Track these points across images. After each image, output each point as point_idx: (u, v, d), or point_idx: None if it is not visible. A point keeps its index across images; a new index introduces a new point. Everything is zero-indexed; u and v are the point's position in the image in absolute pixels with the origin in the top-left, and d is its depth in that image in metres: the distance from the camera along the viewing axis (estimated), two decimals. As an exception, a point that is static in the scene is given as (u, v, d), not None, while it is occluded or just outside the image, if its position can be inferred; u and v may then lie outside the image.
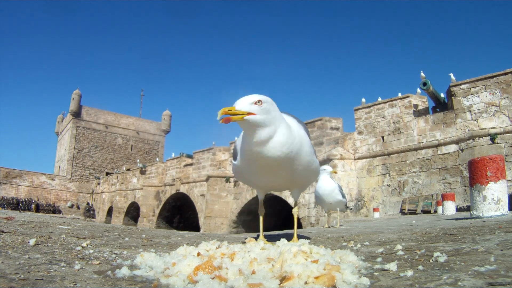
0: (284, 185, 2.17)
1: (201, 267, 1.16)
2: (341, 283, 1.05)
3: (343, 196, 5.55)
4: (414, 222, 5.33)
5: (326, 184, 5.35)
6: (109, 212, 32.86)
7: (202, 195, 20.60)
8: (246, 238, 2.39)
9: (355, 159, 13.76)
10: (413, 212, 11.05)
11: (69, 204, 38.26)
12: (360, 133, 14.07)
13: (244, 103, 1.71)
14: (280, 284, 1.06)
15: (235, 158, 2.14)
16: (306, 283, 1.04)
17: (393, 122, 13.21)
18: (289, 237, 2.11)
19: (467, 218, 4.57)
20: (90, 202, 39.59)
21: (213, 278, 1.11)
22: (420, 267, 1.26)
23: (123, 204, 29.94)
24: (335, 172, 5.44)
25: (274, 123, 1.76)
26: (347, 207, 6.19)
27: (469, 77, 11.59)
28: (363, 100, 14.64)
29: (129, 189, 29.85)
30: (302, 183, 2.20)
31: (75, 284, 1.05)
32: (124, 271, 1.24)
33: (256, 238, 2.22)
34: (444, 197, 8.54)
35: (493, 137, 10.52)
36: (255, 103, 1.72)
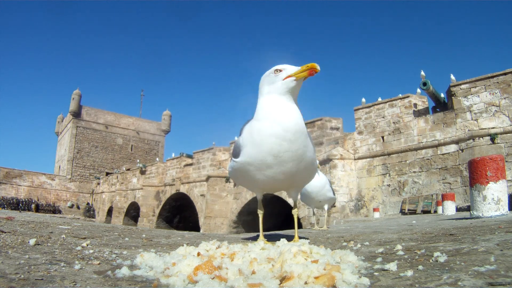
0: (285, 180, 2.08)
1: (201, 267, 1.16)
2: (341, 283, 1.04)
3: (333, 193, 4.93)
4: (414, 222, 5.33)
5: (315, 179, 4.35)
6: (109, 212, 32.86)
7: (202, 195, 20.59)
8: (246, 238, 2.39)
9: (355, 159, 13.76)
10: (413, 212, 11.06)
11: (69, 204, 38.27)
12: (360, 133, 14.07)
13: None
14: (280, 284, 1.06)
15: (236, 156, 2.11)
16: (306, 283, 1.04)
17: (393, 122, 13.21)
18: (289, 237, 2.10)
19: (467, 218, 4.57)
20: (90, 202, 39.59)
21: (213, 278, 1.11)
22: (420, 267, 1.25)
23: (123, 204, 29.94)
24: (318, 167, 4.88)
25: None
26: (334, 205, 5.82)
27: (469, 77, 11.61)
28: (363, 100, 14.63)
29: (129, 189, 29.85)
30: (302, 181, 2.20)
31: (75, 284, 1.05)
32: (124, 271, 1.24)
33: (256, 238, 2.22)
34: (444, 197, 8.54)
35: (493, 137, 10.52)
36: None
